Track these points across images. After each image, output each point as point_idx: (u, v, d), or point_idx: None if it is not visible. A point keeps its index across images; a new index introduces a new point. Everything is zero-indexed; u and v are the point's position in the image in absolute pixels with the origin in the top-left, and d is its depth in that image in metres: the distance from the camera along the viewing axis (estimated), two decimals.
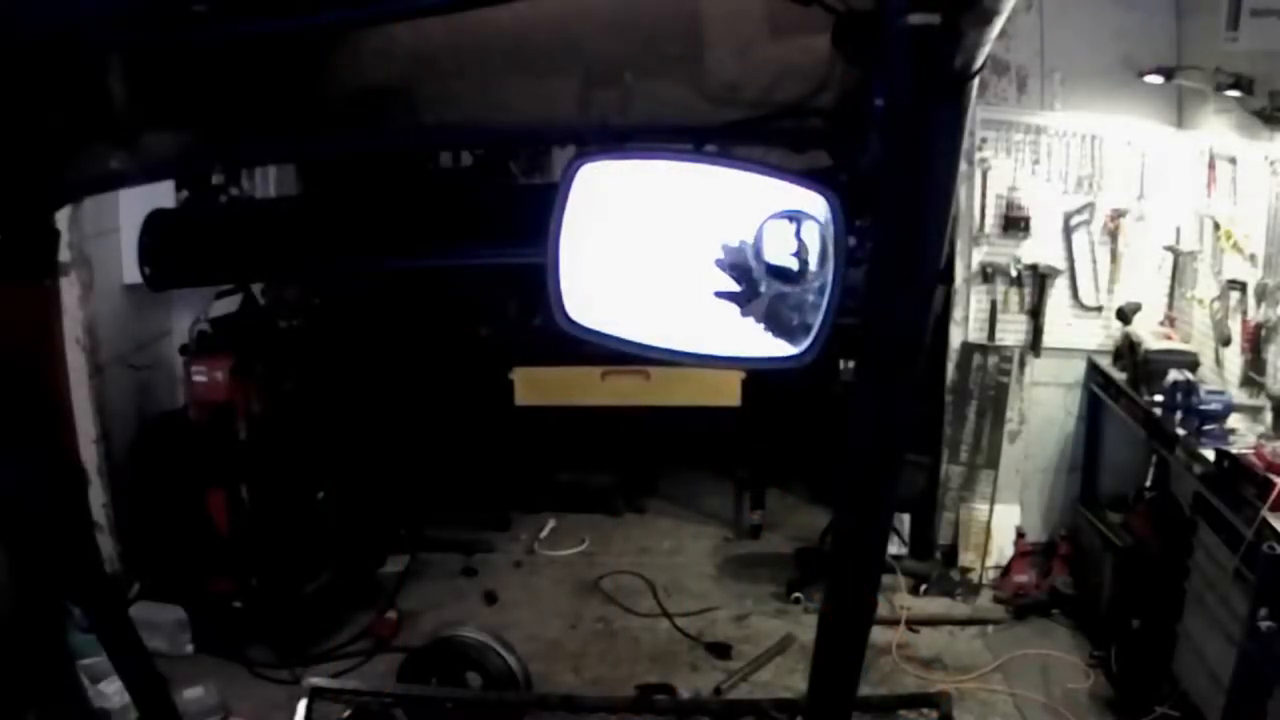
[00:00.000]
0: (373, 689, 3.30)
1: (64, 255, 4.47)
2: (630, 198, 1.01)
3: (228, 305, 5.01)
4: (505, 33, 1.17)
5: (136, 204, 2.03)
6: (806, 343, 0.99)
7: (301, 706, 2.89)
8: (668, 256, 1.01)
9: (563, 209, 1.00)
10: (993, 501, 5.41)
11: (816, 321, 0.98)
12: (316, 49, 1.21)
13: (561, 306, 1.02)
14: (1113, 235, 5.23)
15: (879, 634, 4.80)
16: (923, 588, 5.34)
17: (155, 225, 1.47)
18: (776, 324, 0.98)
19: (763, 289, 0.98)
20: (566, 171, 1.00)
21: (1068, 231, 5.27)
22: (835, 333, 0.98)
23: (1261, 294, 4.24)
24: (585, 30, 1.22)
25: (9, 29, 0.72)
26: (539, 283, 1.01)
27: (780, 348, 1.01)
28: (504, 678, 3.90)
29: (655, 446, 6.43)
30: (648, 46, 1.28)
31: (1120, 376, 5.02)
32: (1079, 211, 5.25)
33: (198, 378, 4.66)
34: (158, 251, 1.48)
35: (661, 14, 1.22)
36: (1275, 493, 3.43)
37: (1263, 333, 4.24)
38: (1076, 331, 5.37)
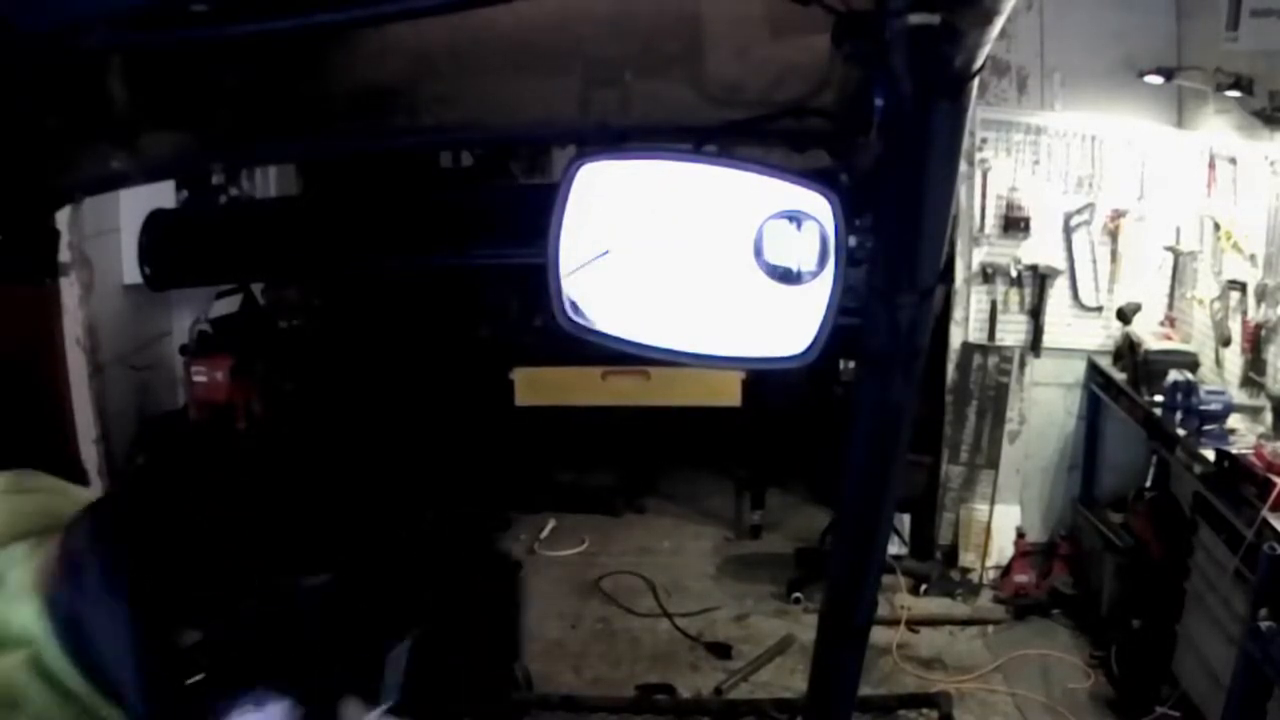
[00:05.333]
0: None
1: (64, 255, 4.47)
2: (630, 198, 1.01)
3: (228, 305, 5.01)
4: (505, 33, 1.17)
5: (136, 204, 2.02)
6: (806, 343, 0.99)
7: None
8: (668, 256, 1.01)
9: (563, 209, 0.99)
10: (993, 501, 5.41)
11: (816, 322, 0.98)
12: (317, 49, 1.21)
13: (562, 306, 1.01)
14: (1113, 235, 5.23)
15: (879, 634, 4.79)
16: (923, 588, 5.34)
17: (155, 225, 1.47)
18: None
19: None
20: (566, 171, 1.00)
21: (1068, 232, 5.27)
22: (835, 333, 0.98)
23: (1261, 294, 4.24)
24: (585, 30, 1.22)
25: (9, 29, 0.72)
26: (539, 283, 1.01)
27: (780, 348, 1.01)
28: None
29: (655, 446, 6.43)
30: (648, 46, 1.28)
31: (1120, 377, 5.02)
32: (1079, 212, 5.25)
33: (198, 378, 4.66)
34: (158, 251, 1.48)
35: (661, 14, 1.22)
36: (1275, 493, 3.43)
37: (1263, 333, 4.23)
38: (1076, 332, 5.37)
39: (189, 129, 1.34)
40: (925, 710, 4.19)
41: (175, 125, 1.31)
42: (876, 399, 1.12)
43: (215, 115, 1.30)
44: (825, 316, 0.97)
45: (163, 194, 1.67)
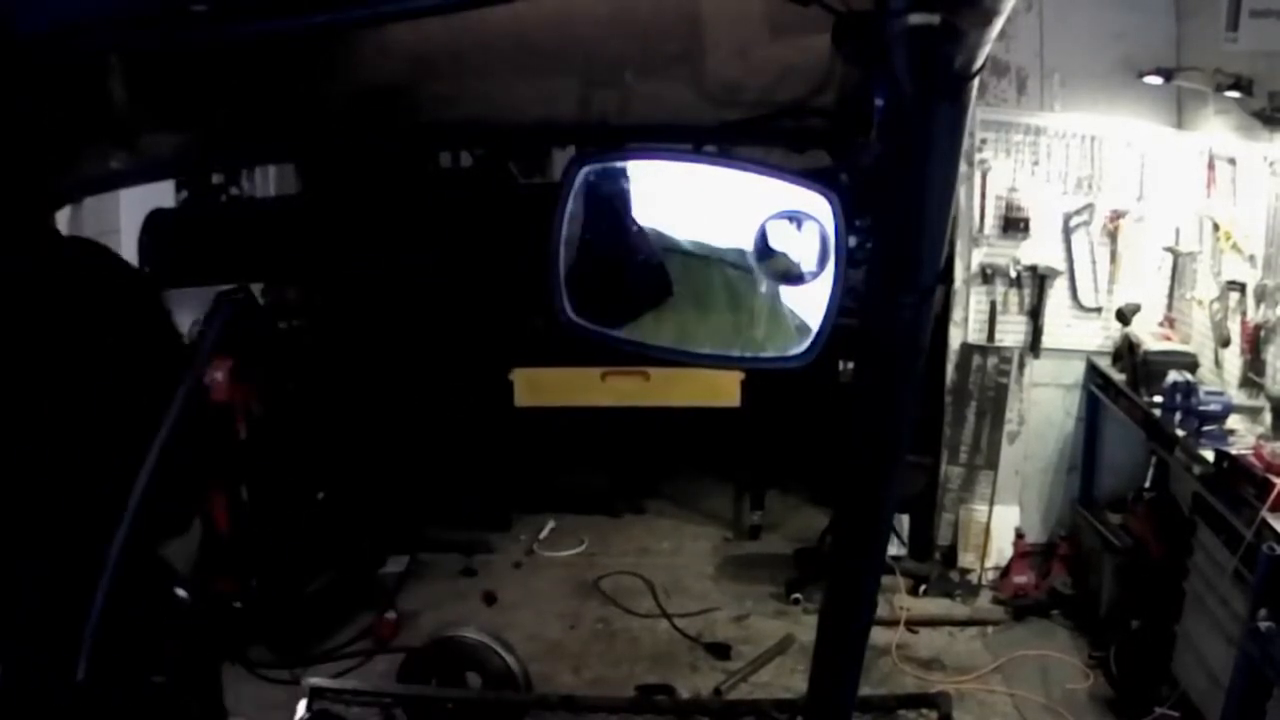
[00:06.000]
0: (373, 689, 3.30)
1: None
2: (630, 198, 1.01)
3: None
4: (505, 33, 1.17)
5: (136, 204, 2.02)
6: (806, 343, 0.99)
7: (301, 706, 2.89)
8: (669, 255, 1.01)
9: (563, 209, 1.00)
10: (992, 502, 5.41)
11: (816, 322, 0.98)
12: (317, 49, 1.21)
13: (563, 306, 1.02)
14: (1112, 236, 5.23)
15: (879, 635, 4.79)
16: (922, 588, 5.34)
17: (155, 225, 1.48)
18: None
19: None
20: (567, 171, 1.00)
21: (1067, 232, 5.27)
22: (835, 333, 0.98)
23: (1261, 295, 4.24)
24: (585, 30, 1.22)
25: (9, 29, 0.72)
26: (540, 283, 1.01)
27: (780, 348, 1.01)
28: (504, 678, 3.89)
29: (655, 447, 6.43)
30: (648, 46, 1.28)
31: (1120, 377, 5.02)
32: (1078, 212, 5.25)
33: None
34: (158, 251, 1.48)
35: (661, 14, 1.21)
36: (1274, 493, 3.43)
37: (1262, 333, 4.23)
38: (1076, 332, 5.37)
39: (189, 129, 1.34)
40: (924, 710, 4.18)
41: (175, 125, 1.31)
42: (876, 400, 1.12)
43: (215, 115, 1.30)
44: (825, 316, 0.97)
45: (163, 194, 1.67)
